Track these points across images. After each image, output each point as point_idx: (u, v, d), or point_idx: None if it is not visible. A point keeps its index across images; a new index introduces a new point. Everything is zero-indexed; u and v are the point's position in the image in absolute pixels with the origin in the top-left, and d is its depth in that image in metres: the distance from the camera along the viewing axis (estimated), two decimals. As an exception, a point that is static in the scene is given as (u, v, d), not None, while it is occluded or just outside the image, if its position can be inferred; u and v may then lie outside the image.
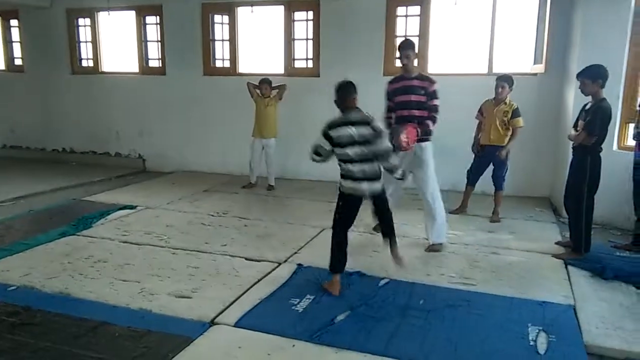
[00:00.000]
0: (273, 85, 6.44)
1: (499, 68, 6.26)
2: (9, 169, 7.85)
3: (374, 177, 3.43)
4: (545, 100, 6.16)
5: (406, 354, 2.71)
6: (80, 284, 3.59)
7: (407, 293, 3.47)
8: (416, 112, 4.28)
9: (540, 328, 3.01)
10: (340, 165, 3.48)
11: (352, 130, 3.36)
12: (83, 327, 2.97)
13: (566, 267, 4.01)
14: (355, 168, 3.38)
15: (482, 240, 4.64)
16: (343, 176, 3.48)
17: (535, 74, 6.21)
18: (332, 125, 3.46)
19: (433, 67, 6.62)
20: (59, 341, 2.82)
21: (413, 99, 4.29)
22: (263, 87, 6.36)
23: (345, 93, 3.52)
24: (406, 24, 6.60)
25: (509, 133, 5.17)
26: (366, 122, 3.40)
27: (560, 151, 5.73)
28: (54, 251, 4.24)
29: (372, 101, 6.92)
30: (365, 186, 3.40)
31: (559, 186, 5.13)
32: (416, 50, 4.42)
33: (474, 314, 3.19)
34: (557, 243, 4.57)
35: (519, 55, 6.52)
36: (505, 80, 5.13)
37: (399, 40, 6.58)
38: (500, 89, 5.12)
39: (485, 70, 6.29)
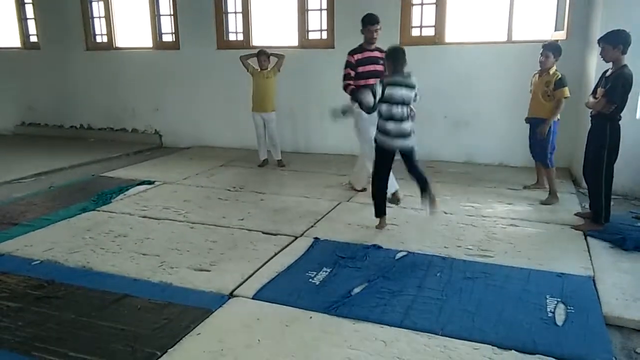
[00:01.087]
0: (270, 55, 6.28)
1: (519, 35, 6.10)
2: (28, 146, 7.98)
3: (407, 135, 3.97)
4: (566, 68, 5.92)
5: (423, 326, 2.72)
6: (102, 257, 3.67)
7: (424, 265, 3.48)
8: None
9: (559, 299, 3.00)
10: (379, 120, 4.01)
11: (402, 92, 3.91)
12: (106, 300, 3.04)
13: (586, 239, 3.96)
14: (392, 126, 3.93)
15: (500, 212, 4.60)
16: (380, 131, 4.01)
17: (556, 41, 6.02)
18: (389, 83, 3.92)
19: (450, 36, 6.47)
20: (83, 313, 2.90)
21: (378, 69, 4.73)
22: (262, 58, 6.19)
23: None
24: (422, -8, 6.44)
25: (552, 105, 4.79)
26: (412, 85, 3.97)
27: (580, 120, 5.60)
28: (75, 226, 4.33)
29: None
30: (397, 143, 3.96)
31: (579, 156, 5.02)
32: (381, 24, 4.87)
33: (492, 285, 3.19)
34: (576, 214, 4.51)
35: (540, 21, 6.32)
36: (549, 48, 4.78)
37: (415, 9, 6.48)
38: (543, 58, 4.78)
39: (505, 38, 6.13)
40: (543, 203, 4.82)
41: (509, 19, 6.11)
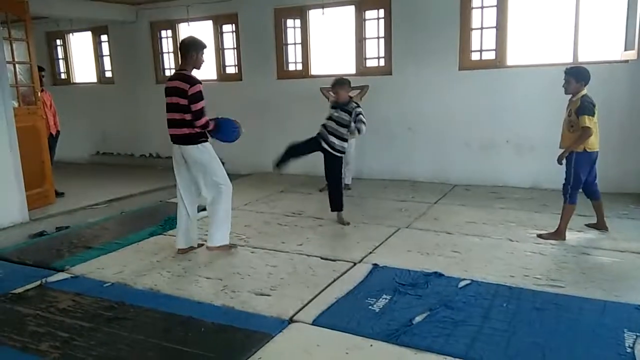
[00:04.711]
0: (354, 85, 6.39)
1: (585, 56, 5.89)
2: (102, 174, 8.48)
3: None
4: (638, 89, 5.71)
5: (489, 359, 2.61)
6: (168, 281, 3.80)
7: (490, 295, 3.34)
8: None
9: (639, 334, 2.78)
10: (347, 134, 4.96)
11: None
12: (172, 322, 3.14)
13: (667, 269, 3.69)
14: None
15: (570, 240, 4.37)
16: (346, 144, 5.05)
17: (626, 61, 5.76)
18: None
19: (512, 59, 6.35)
20: (150, 335, 3.00)
21: None
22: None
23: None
24: (482, 16, 6.38)
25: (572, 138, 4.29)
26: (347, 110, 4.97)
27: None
28: (143, 250, 4.52)
29: (449, 96, 6.80)
30: None
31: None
32: None
33: (563, 317, 3.01)
34: (656, 243, 4.21)
35: (608, 41, 6.07)
36: (570, 73, 4.30)
37: (475, 33, 6.42)
38: (565, 84, 4.33)
39: (571, 59, 5.93)
40: (540, 236, 4.45)
41: (575, 39, 5.92)
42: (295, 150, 5.11)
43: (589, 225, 4.67)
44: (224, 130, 4.27)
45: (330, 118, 4.99)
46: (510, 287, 3.46)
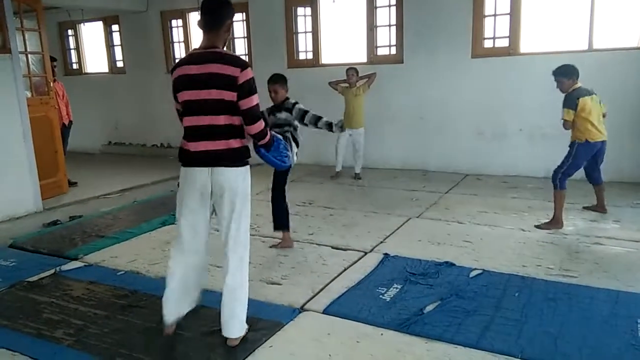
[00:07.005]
0: (362, 74, 6.43)
1: (601, 43, 5.78)
2: (114, 164, 8.55)
3: None
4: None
5: (501, 348, 2.60)
6: (179, 269, 3.82)
7: (501, 285, 3.33)
8: None
9: (653, 325, 2.76)
10: (298, 135, 4.11)
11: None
12: (183, 310, 3.16)
13: (683, 259, 3.64)
14: None
15: (583, 230, 4.33)
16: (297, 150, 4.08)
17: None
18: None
19: (525, 46, 6.26)
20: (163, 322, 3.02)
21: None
22: (349, 73, 6.38)
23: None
24: (495, 2, 6.28)
25: (574, 129, 4.34)
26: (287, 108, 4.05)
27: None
28: (156, 239, 4.56)
29: (461, 84, 6.74)
30: None
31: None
32: None
33: (576, 307, 2.99)
34: (671, 233, 4.16)
35: (625, 28, 5.95)
36: (558, 74, 4.32)
37: (488, 20, 6.33)
38: (559, 85, 4.34)
39: (586, 46, 5.83)
40: (538, 226, 4.42)
41: (590, 26, 5.82)
42: None
43: (587, 208, 4.72)
44: (277, 149, 3.01)
45: (275, 125, 4.03)
46: (523, 276, 3.45)
